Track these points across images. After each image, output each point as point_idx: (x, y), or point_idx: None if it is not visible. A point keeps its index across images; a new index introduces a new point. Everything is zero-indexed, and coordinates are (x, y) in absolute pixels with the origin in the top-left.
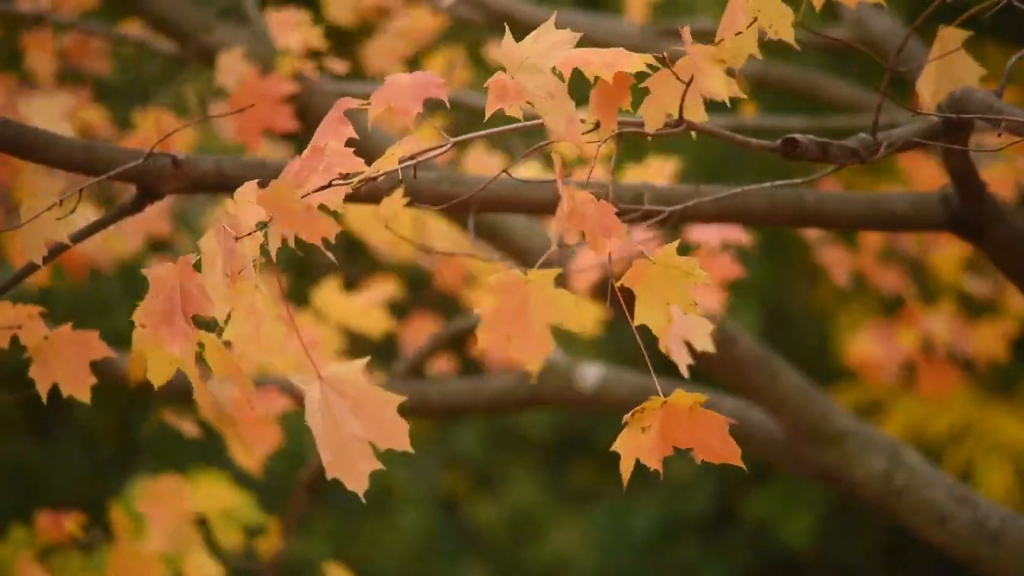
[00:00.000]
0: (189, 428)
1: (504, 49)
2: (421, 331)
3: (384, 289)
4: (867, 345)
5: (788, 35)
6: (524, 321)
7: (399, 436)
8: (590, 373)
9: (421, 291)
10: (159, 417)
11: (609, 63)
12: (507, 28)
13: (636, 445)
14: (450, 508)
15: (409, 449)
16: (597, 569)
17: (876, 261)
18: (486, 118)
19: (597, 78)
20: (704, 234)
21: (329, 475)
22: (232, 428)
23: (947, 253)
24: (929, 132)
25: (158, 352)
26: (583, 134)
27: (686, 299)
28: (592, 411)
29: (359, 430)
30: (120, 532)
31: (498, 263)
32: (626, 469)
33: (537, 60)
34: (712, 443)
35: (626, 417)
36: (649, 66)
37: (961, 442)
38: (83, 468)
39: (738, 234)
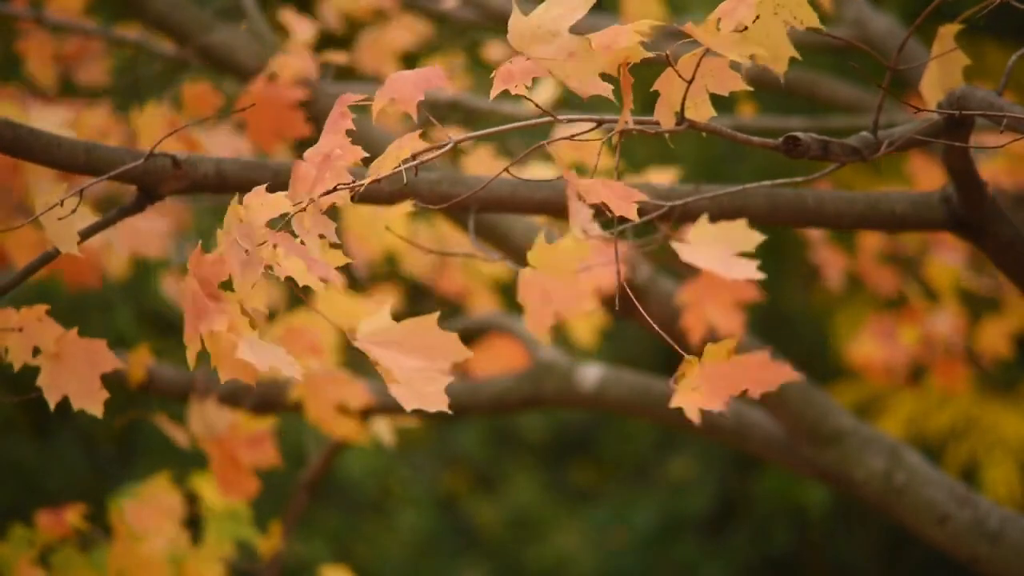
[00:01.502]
0: (180, 437)
1: (514, 24)
2: None
3: (388, 296)
4: (869, 345)
5: (813, 21)
6: (551, 298)
7: (453, 350)
8: (590, 373)
9: (420, 300)
10: (152, 418)
11: (606, 44)
12: (515, 3)
13: (695, 399)
14: (450, 508)
15: (469, 354)
16: (597, 569)
17: (874, 262)
18: (491, 98)
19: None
20: None
21: (408, 408)
22: (220, 449)
23: (944, 258)
24: (930, 130)
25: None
26: (583, 134)
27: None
28: (592, 411)
29: (417, 362)
30: (120, 531)
31: (498, 263)
32: (694, 414)
33: (551, 26)
34: (761, 376)
35: (672, 383)
36: (652, 57)
37: (963, 439)
38: (82, 468)
39: None
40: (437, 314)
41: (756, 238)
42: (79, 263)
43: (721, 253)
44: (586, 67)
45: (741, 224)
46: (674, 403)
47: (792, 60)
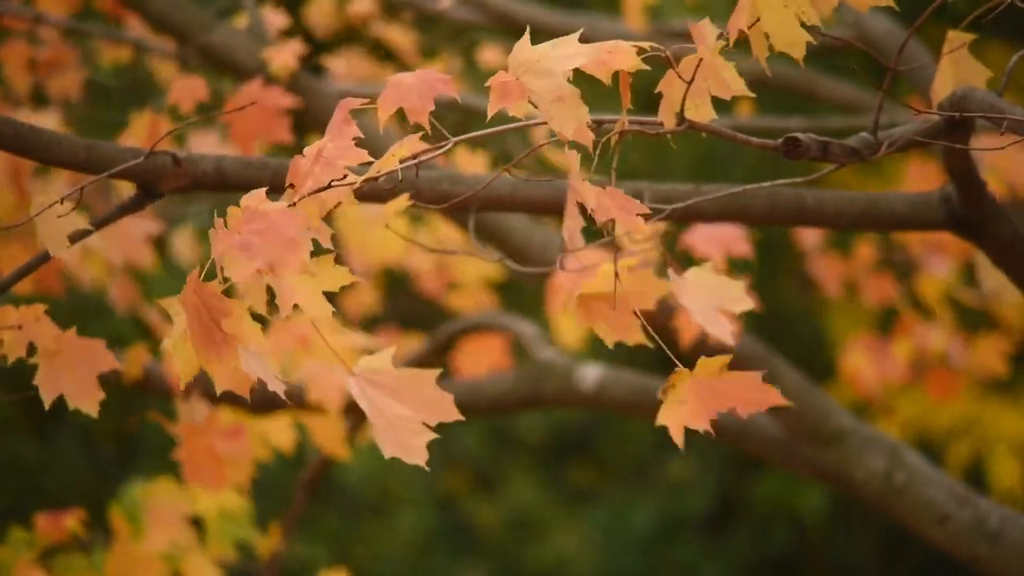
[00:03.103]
0: (176, 432)
1: (517, 50)
2: (393, 341)
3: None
4: (859, 359)
5: (789, 47)
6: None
7: (445, 409)
8: (590, 373)
9: (397, 300)
10: (149, 417)
11: (603, 61)
12: (527, 29)
13: (680, 415)
14: (449, 509)
15: (460, 418)
16: (596, 569)
17: (868, 272)
18: (488, 118)
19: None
20: (705, 246)
21: (387, 455)
22: (192, 437)
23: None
24: (930, 131)
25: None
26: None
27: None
28: (591, 411)
29: (405, 412)
30: (119, 533)
31: (498, 262)
32: (677, 436)
33: (550, 64)
34: (750, 396)
35: (660, 392)
36: (644, 59)
37: (964, 438)
38: (82, 468)
39: (740, 245)
40: (438, 371)
41: (747, 303)
42: (48, 271)
43: (709, 302)
44: (570, 115)
45: (739, 285)
46: (660, 419)
47: (790, 58)
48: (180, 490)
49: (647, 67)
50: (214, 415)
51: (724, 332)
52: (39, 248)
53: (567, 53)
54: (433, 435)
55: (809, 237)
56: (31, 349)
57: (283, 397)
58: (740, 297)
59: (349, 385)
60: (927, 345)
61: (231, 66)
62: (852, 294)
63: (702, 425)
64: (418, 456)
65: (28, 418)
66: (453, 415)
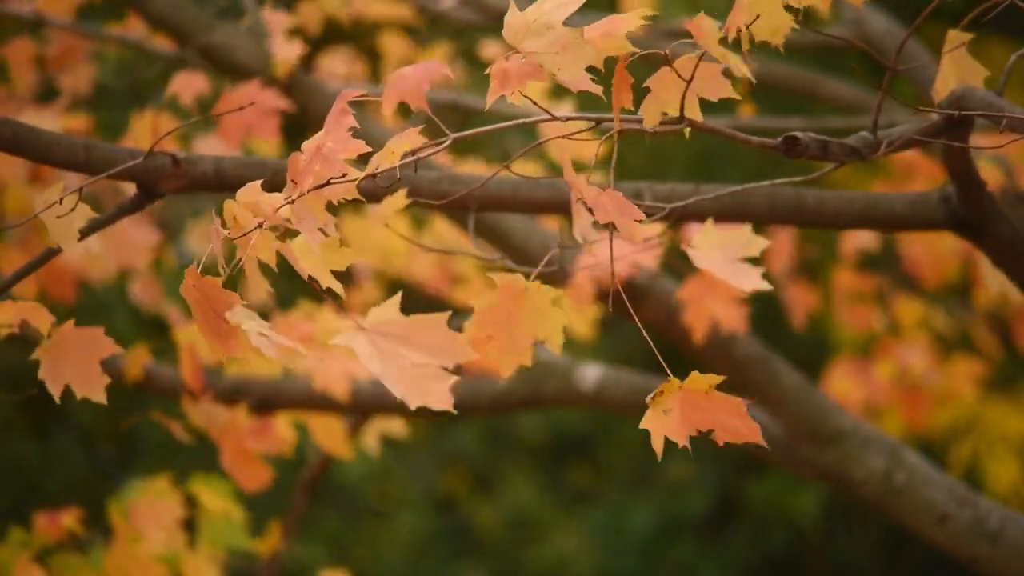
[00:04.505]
0: (183, 434)
1: (509, 19)
2: None
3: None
4: (845, 383)
5: (770, 35)
6: (510, 327)
7: (458, 350)
8: (590, 373)
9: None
10: (150, 416)
11: (606, 31)
12: (512, 2)
13: (662, 425)
14: (448, 509)
15: (475, 356)
16: (596, 569)
17: (845, 300)
18: (488, 106)
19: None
20: None
21: (413, 406)
22: (229, 442)
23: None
24: (929, 130)
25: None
26: (578, 134)
27: (556, 331)
28: (590, 412)
29: (420, 358)
30: (118, 532)
31: (498, 263)
32: (657, 445)
33: (546, 19)
34: (732, 423)
35: (648, 399)
36: (641, 57)
37: (964, 437)
38: (82, 468)
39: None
40: (448, 313)
41: (760, 243)
42: (58, 276)
43: (727, 259)
44: (578, 60)
45: (745, 230)
46: (643, 423)
47: (790, 58)
48: (176, 491)
49: (638, 49)
50: (235, 416)
51: (755, 280)
52: (44, 246)
53: (557, 3)
54: (454, 378)
55: (776, 265)
56: (30, 347)
57: (301, 350)
58: (752, 240)
59: (356, 341)
60: (908, 365)
61: (231, 66)
62: (852, 285)
63: (681, 440)
64: (443, 401)
65: (28, 418)
66: (468, 355)
